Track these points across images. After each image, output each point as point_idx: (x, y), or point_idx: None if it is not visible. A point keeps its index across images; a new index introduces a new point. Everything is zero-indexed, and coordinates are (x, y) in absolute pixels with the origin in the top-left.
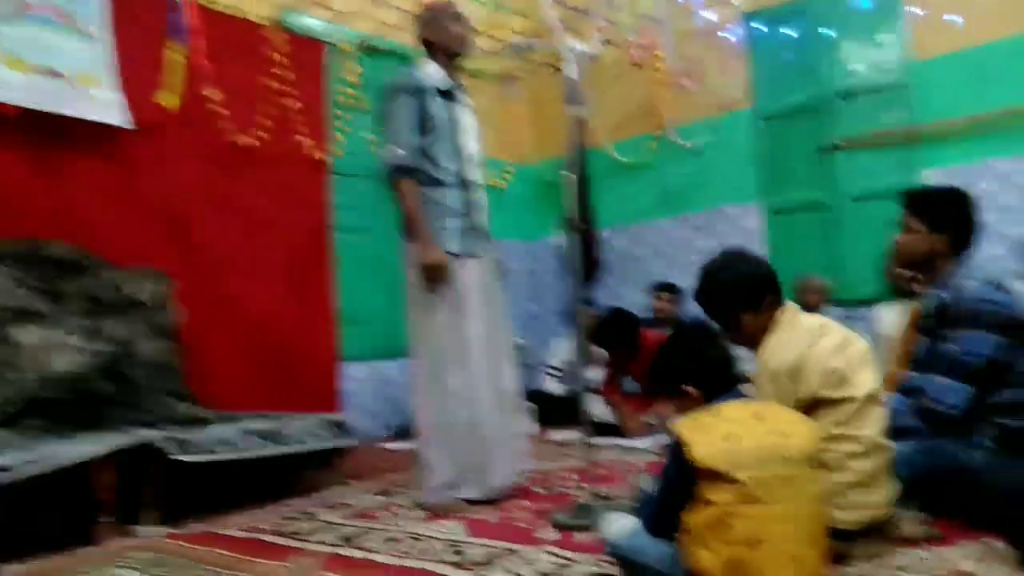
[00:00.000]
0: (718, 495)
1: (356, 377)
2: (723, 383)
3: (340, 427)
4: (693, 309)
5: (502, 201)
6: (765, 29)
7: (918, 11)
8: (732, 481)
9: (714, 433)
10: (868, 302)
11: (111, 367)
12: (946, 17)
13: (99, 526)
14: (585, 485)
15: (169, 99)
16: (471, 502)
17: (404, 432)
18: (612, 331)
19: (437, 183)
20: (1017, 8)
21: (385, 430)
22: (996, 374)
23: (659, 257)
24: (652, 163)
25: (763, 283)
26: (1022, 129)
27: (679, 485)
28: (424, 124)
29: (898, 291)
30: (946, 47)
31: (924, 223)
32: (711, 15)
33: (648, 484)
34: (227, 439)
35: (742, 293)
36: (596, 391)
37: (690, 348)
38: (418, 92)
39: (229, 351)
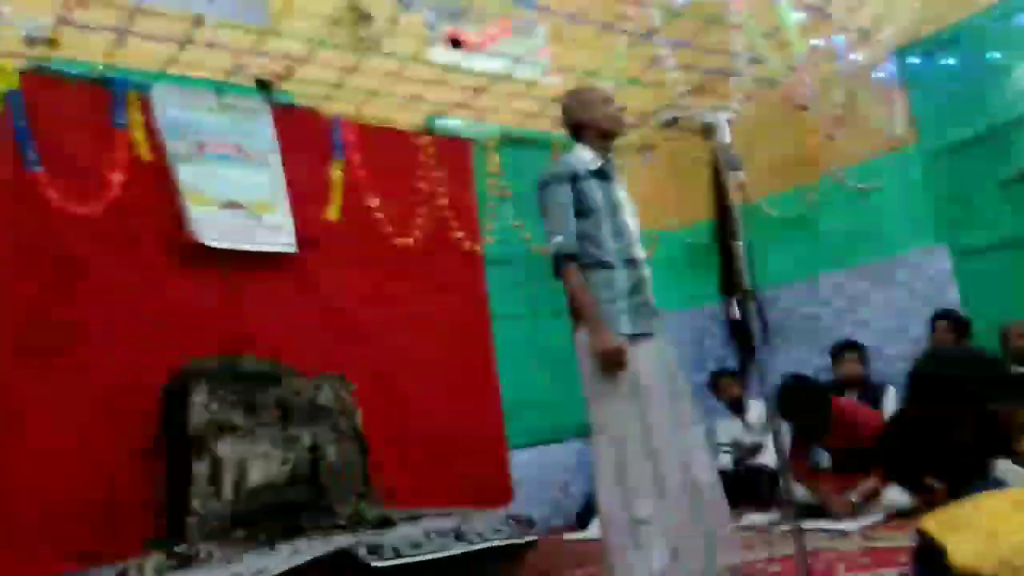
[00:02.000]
0: None
1: (523, 463)
2: (974, 470)
3: (522, 522)
4: (884, 370)
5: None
6: (920, 62)
7: None
8: None
9: (972, 531)
10: None
11: (304, 473)
12: None
13: None
14: None
15: (332, 212)
16: None
17: (583, 519)
18: (798, 400)
19: (603, 265)
20: None
21: (560, 518)
22: None
23: (835, 314)
24: (810, 214)
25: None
26: None
27: None
28: (582, 207)
29: None
30: None
31: None
32: (859, 55)
33: None
34: (414, 540)
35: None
36: (792, 470)
37: (931, 431)
38: (572, 177)
39: (403, 447)
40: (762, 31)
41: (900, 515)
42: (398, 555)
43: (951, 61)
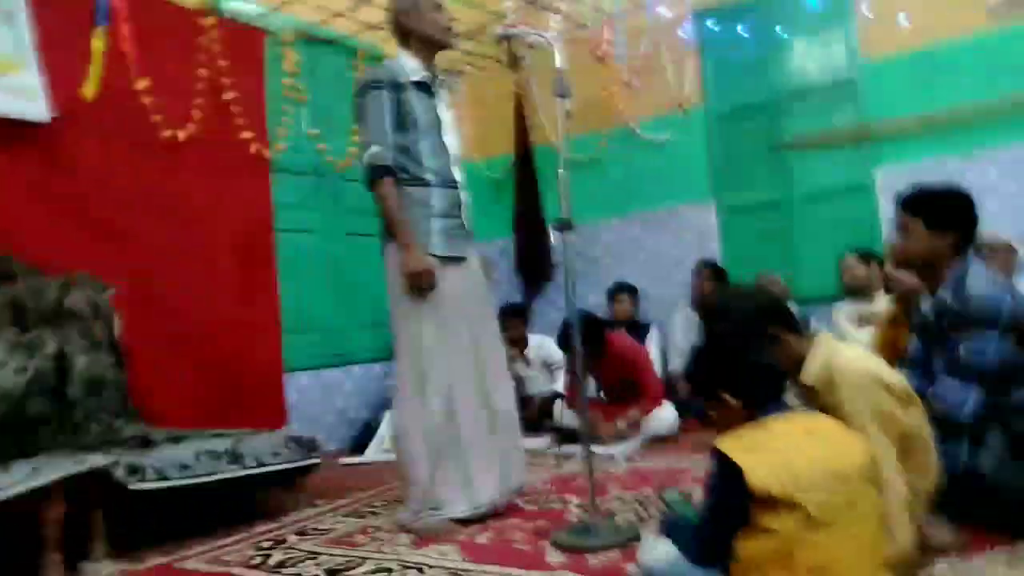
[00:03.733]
0: (778, 523)
1: (302, 387)
2: (769, 392)
3: (303, 444)
4: (650, 311)
5: None
6: (715, 27)
7: (867, 12)
8: (792, 507)
9: (767, 453)
10: (824, 299)
11: (47, 385)
12: (896, 17)
13: (45, 564)
14: (575, 499)
15: (88, 89)
16: (458, 521)
17: (359, 446)
18: (587, 336)
19: (419, 182)
20: (964, 9)
21: (336, 443)
22: (1006, 376)
23: (612, 257)
24: (603, 161)
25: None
26: (972, 128)
27: (731, 512)
28: (404, 120)
29: (851, 290)
30: (895, 47)
31: (927, 225)
32: (664, 11)
33: (679, 505)
34: (182, 462)
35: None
36: (560, 397)
37: (731, 352)
38: (395, 86)
39: (169, 362)
40: None
41: (656, 441)
42: (162, 477)
43: (743, 30)
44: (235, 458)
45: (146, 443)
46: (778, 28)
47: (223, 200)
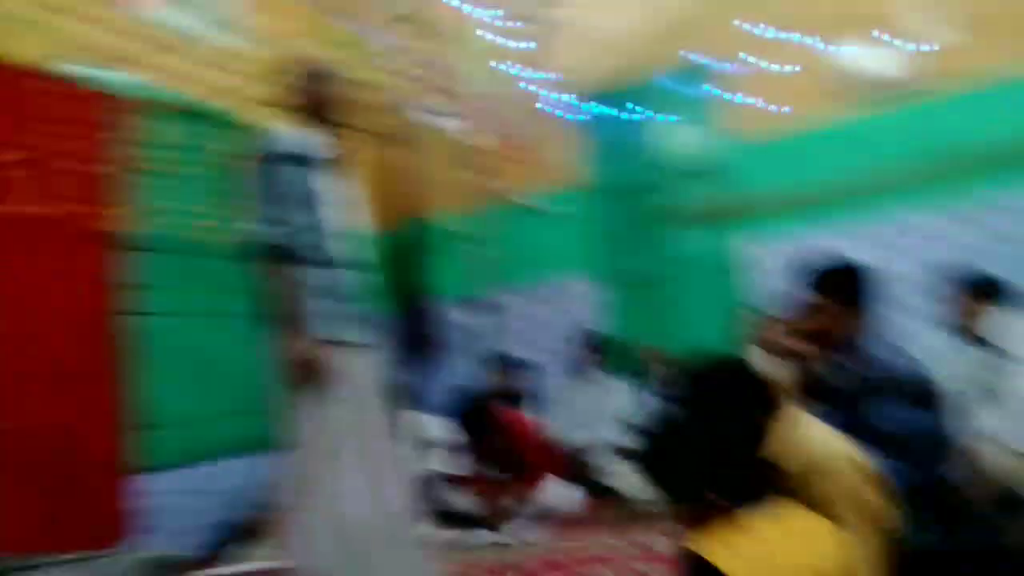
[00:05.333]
0: None
1: (164, 490)
2: (760, 490)
3: (167, 566)
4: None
5: None
6: (600, 110)
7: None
8: None
9: (751, 561)
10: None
11: None
12: (764, 106)
13: None
14: None
15: None
16: None
17: (229, 548)
18: (471, 413)
19: (313, 263)
20: (826, 101)
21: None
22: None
23: (486, 328)
24: (479, 234)
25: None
26: (834, 206)
27: None
28: (297, 196)
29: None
30: (767, 132)
31: (838, 301)
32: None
33: None
34: None
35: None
36: (454, 480)
37: (720, 446)
38: (290, 159)
39: None
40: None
41: (563, 522)
42: None
43: (625, 115)
44: None
45: None
46: (659, 113)
47: (55, 280)
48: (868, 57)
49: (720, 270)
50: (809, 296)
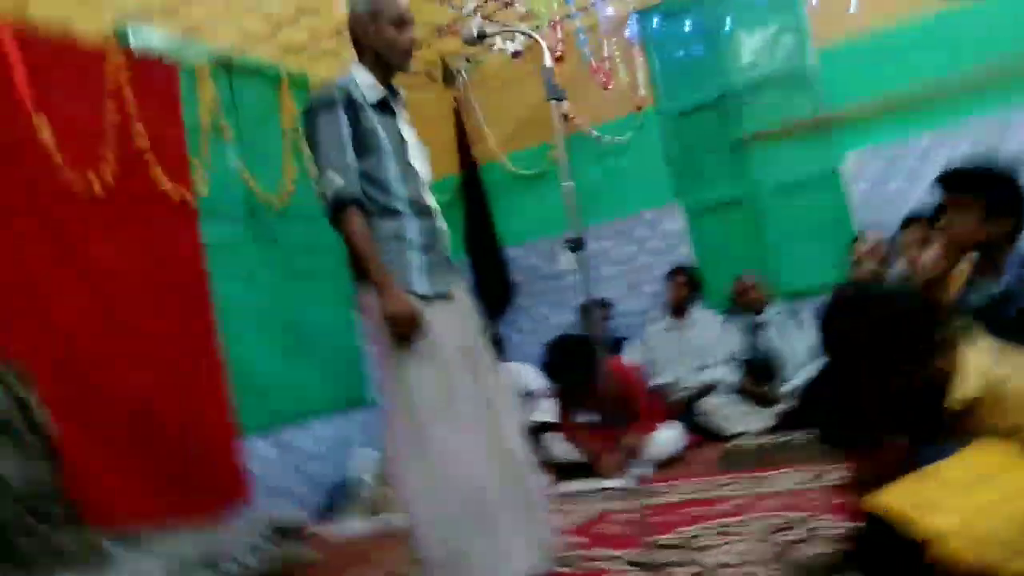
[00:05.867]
0: None
1: (261, 454)
2: (934, 427)
3: (288, 530)
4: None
5: None
6: (660, 25)
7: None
8: None
9: (950, 514)
10: (808, 294)
11: None
12: (843, 3)
13: None
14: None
15: None
16: None
17: (332, 510)
18: (566, 359)
19: (390, 213)
20: None
21: (308, 509)
22: None
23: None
24: (552, 172)
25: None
26: (936, 105)
27: None
28: (365, 143)
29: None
30: (848, 32)
31: (982, 207)
32: (609, 11)
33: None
34: None
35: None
36: (550, 428)
37: (892, 382)
38: (352, 105)
39: (107, 451)
40: None
41: (664, 465)
42: None
43: (688, 26)
44: (214, 563)
45: (100, 556)
46: (725, 22)
47: (147, 253)
48: None
49: (816, 187)
50: (945, 198)
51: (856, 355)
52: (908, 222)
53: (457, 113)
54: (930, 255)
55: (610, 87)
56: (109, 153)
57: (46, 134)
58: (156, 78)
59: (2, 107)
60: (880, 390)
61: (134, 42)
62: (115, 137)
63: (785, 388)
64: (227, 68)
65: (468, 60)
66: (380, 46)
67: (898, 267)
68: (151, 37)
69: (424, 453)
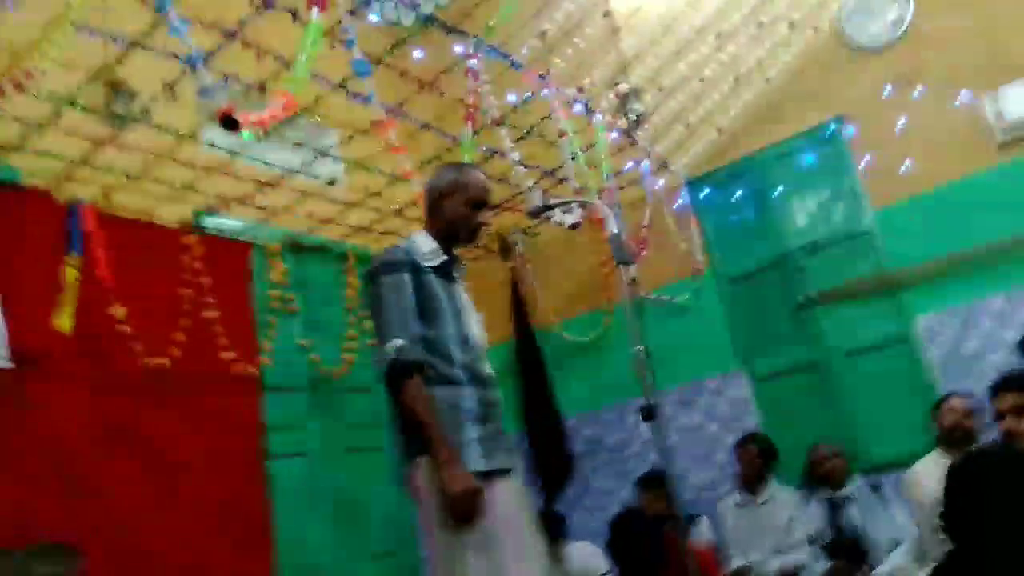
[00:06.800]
0: None
1: None
2: None
3: None
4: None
5: None
6: (710, 192)
7: (868, 160)
8: None
9: None
10: (890, 466)
11: None
12: (897, 164)
13: None
14: None
15: (63, 322)
16: None
17: None
18: (632, 536)
19: (447, 381)
20: (965, 151)
21: None
22: None
23: (639, 443)
24: (607, 339)
25: None
26: (1002, 266)
27: None
28: (426, 308)
29: (948, 440)
30: (902, 193)
31: None
32: (660, 181)
33: None
34: None
35: None
36: None
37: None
38: (413, 267)
39: None
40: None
41: None
42: None
43: (738, 193)
44: None
45: None
46: (775, 188)
47: (209, 431)
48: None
49: (889, 350)
50: None
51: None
52: (1000, 388)
53: (513, 284)
54: None
55: (644, 253)
56: (182, 329)
57: (122, 314)
58: (228, 257)
59: (84, 289)
60: None
61: (208, 226)
62: (187, 314)
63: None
64: (294, 247)
65: (525, 232)
66: (452, 218)
67: (992, 436)
68: (226, 222)
69: None
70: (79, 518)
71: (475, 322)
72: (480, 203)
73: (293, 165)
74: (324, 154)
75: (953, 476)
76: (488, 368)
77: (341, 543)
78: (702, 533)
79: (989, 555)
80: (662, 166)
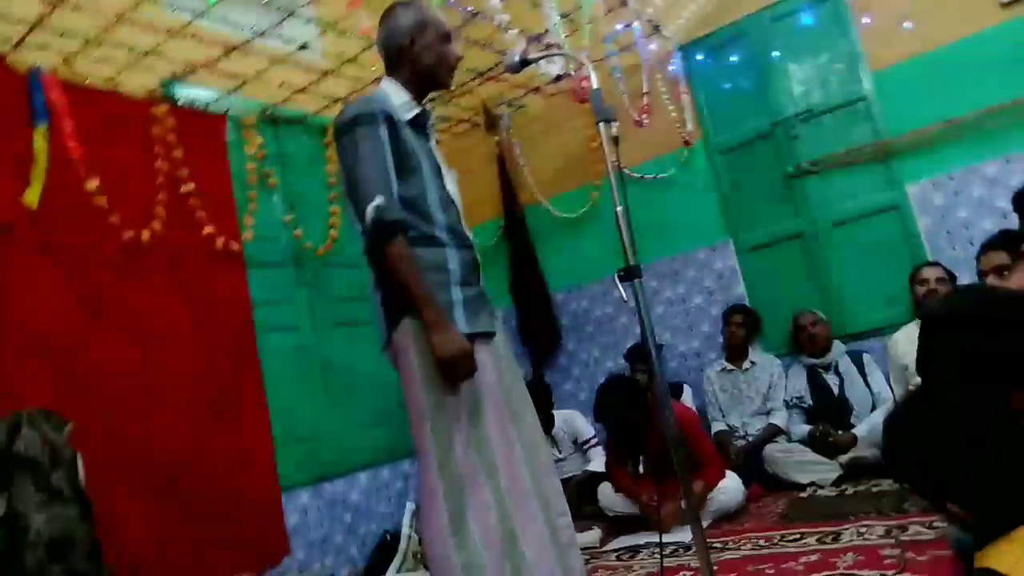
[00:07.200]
0: None
1: (301, 506)
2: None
3: None
4: (676, 369)
5: None
6: (704, 59)
7: (868, 20)
8: None
9: None
10: (873, 332)
11: None
12: (900, 24)
13: None
14: None
15: (31, 195)
16: None
17: (378, 564)
18: (620, 403)
19: (430, 241)
20: (967, 9)
21: (346, 566)
22: None
23: (627, 314)
24: (595, 213)
25: None
26: (1004, 129)
27: None
28: (404, 165)
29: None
30: (905, 54)
31: None
32: (651, 47)
33: None
34: None
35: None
36: (600, 478)
37: (951, 446)
38: (388, 119)
39: (146, 503)
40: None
41: (726, 517)
42: None
43: (733, 58)
44: None
45: None
46: (773, 52)
47: (195, 305)
48: None
49: (878, 219)
50: None
51: (982, 370)
52: (985, 248)
53: (500, 158)
54: (1017, 280)
55: (645, 124)
56: (159, 203)
57: (94, 186)
58: (203, 130)
59: (54, 162)
60: (999, 415)
61: (180, 96)
62: (164, 187)
63: (858, 433)
64: (273, 120)
65: (510, 105)
66: (426, 60)
67: None
68: (197, 92)
69: (460, 511)
70: (64, 389)
71: (452, 180)
72: (448, 34)
73: (260, 27)
74: (292, 14)
75: (927, 320)
76: (466, 229)
77: (331, 414)
78: (685, 401)
79: (955, 391)
80: (654, 29)
